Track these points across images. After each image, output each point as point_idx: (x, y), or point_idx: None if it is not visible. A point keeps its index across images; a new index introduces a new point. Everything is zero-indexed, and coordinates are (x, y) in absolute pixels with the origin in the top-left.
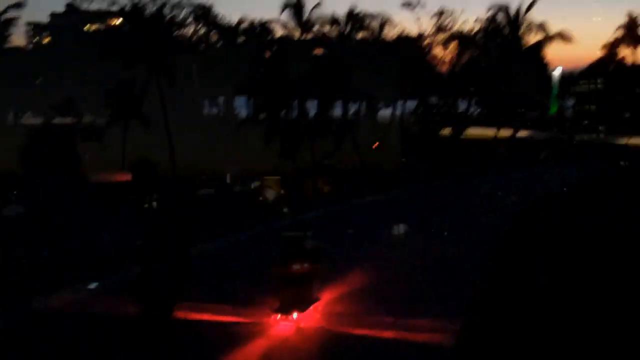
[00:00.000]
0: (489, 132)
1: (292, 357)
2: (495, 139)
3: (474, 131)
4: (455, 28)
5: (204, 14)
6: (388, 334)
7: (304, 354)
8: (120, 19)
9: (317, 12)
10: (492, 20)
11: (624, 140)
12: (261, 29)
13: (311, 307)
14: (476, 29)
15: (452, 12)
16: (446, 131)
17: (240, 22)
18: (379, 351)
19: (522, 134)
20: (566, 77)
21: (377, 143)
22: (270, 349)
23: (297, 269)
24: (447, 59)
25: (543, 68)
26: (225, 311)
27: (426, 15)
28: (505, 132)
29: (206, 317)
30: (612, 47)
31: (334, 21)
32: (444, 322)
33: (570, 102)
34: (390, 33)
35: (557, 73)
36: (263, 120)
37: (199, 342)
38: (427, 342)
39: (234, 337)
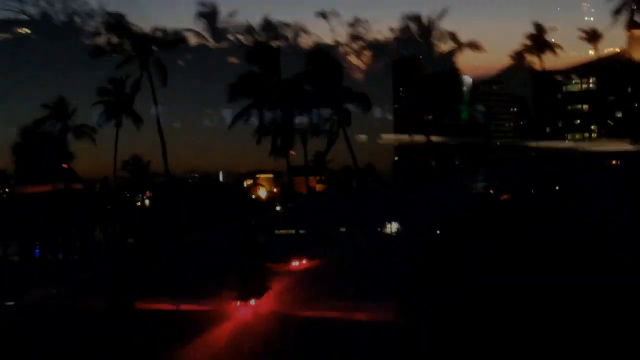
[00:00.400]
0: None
1: (252, 336)
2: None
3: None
4: (370, 37)
5: (117, 23)
6: (333, 315)
7: (262, 333)
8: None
9: (232, 21)
10: (405, 29)
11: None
12: (175, 38)
13: (265, 295)
14: (391, 38)
15: (366, 21)
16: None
17: (154, 30)
18: (326, 329)
19: (437, 139)
20: (478, 83)
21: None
22: (233, 330)
23: (251, 264)
24: (362, 67)
25: (455, 75)
26: (192, 300)
27: (341, 25)
28: (419, 138)
29: (174, 306)
30: (519, 55)
31: (249, 30)
32: (382, 303)
33: (481, 108)
34: (305, 41)
35: (467, 80)
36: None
37: (170, 328)
38: (368, 320)
39: (202, 322)
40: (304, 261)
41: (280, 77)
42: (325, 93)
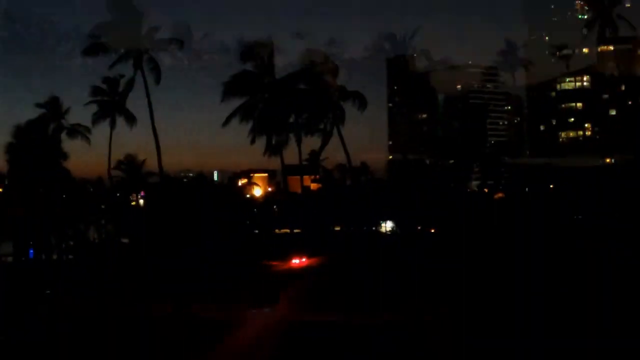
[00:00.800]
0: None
1: (267, 337)
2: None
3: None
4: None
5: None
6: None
7: (276, 335)
8: None
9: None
10: (380, 48)
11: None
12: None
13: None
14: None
15: (341, 42)
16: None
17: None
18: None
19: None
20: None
21: None
22: (250, 333)
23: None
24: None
25: (431, 92)
26: (214, 307)
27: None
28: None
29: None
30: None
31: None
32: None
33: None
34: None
35: (440, 97)
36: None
37: (194, 332)
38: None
39: (225, 325)
40: (304, 259)
41: (274, 75)
42: (319, 91)
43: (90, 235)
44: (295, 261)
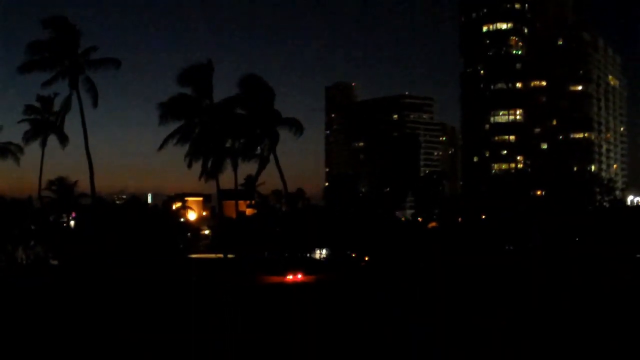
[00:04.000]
0: None
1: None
2: None
3: None
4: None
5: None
6: None
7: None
8: None
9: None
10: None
11: None
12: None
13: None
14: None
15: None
16: None
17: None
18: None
19: None
20: None
21: None
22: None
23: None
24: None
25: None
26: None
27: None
28: None
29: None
30: None
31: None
32: None
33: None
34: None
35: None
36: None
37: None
38: None
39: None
40: (299, 275)
41: (212, 99)
42: (256, 117)
43: (18, 256)
44: (290, 277)
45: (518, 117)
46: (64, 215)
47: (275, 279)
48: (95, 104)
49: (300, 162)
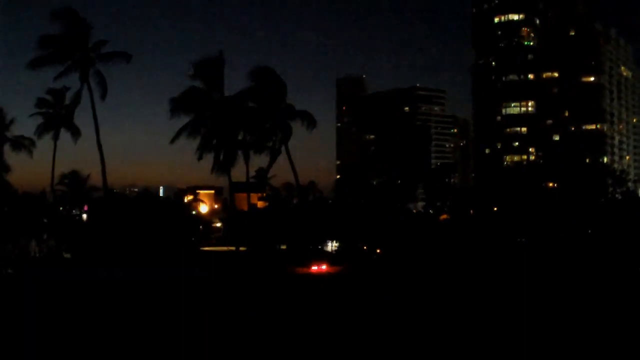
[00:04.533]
0: None
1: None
2: None
3: None
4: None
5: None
6: None
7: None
8: None
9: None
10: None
11: None
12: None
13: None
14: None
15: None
16: None
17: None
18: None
19: None
20: None
21: None
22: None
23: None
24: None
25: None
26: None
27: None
28: None
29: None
30: None
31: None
32: None
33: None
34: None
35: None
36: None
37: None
38: None
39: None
40: (324, 267)
41: (223, 92)
42: (267, 110)
43: (31, 249)
44: (315, 268)
45: (530, 108)
46: (77, 208)
47: (301, 270)
48: (104, 97)
49: (312, 154)
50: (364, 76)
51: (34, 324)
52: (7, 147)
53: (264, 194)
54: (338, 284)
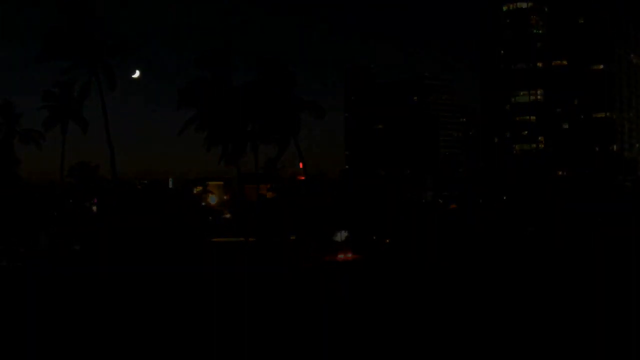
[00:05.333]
0: None
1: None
2: None
3: None
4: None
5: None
6: None
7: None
8: None
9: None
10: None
11: None
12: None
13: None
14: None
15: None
16: None
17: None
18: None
19: None
20: None
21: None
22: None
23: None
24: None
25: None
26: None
27: None
28: None
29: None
30: None
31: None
32: None
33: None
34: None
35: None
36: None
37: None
38: None
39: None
40: (349, 255)
41: (231, 83)
42: (276, 100)
43: (41, 241)
44: (341, 256)
45: (539, 97)
46: (87, 201)
47: (328, 257)
48: (113, 88)
49: (320, 145)
50: (372, 66)
51: (34, 319)
52: (16, 141)
53: (273, 185)
54: (370, 269)
